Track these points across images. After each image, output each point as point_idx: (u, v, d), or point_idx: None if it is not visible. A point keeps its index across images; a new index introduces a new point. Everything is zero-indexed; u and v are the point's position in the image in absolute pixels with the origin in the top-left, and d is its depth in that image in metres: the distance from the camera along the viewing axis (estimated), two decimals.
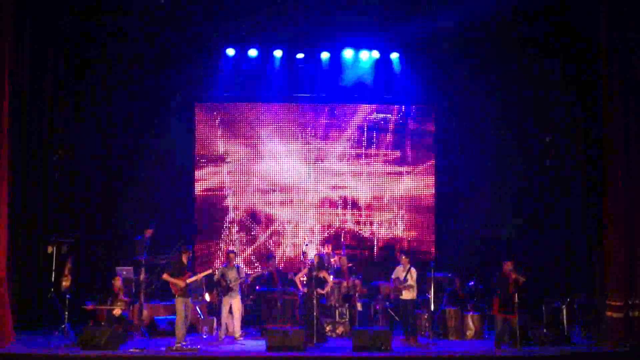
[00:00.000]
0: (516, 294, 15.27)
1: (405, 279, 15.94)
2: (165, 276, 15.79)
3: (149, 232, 18.26)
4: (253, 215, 20.37)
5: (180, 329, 15.48)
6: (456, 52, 19.63)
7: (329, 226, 20.41)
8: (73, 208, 18.70)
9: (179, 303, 15.57)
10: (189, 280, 15.65)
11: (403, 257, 16.34)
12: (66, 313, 16.00)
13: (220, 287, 16.23)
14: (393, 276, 16.37)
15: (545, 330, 16.07)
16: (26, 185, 17.27)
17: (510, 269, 15.55)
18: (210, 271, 16.58)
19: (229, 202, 20.44)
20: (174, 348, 15.08)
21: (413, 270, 16.06)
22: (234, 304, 16.18)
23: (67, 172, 18.76)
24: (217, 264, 18.14)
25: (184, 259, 15.88)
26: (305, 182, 20.47)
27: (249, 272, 18.68)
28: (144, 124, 19.75)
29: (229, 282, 16.11)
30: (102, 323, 15.65)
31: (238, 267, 16.57)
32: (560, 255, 18.75)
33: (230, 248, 19.23)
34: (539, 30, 18.75)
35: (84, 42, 18.97)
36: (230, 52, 19.94)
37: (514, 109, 19.75)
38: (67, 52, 18.71)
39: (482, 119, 19.95)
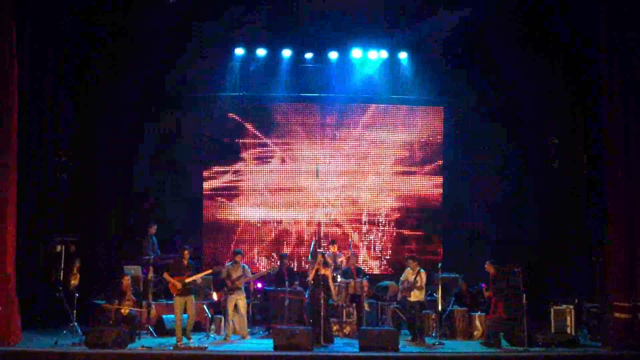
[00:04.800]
0: (524, 295, 15.34)
1: (415, 282, 16.00)
2: (165, 275, 15.98)
3: (152, 229, 18.31)
4: (260, 215, 20.38)
5: (178, 327, 15.58)
6: (463, 52, 19.71)
7: (337, 226, 20.45)
8: (75, 208, 18.59)
9: (177, 302, 15.71)
10: (187, 280, 15.66)
11: (411, 261, 16.38)
12: (74, 311, 15.98)
13: (225, 286, 16.23)
14: (402, 278, 16.41)
15: (551, 332, 15.98)
16: (26, 185, 17.10)
17: (516, 269, 15.70)
18: (210, 271, 16.68)
19: (237, 201, 20.48)
20: (181, 346, 15.07)
21: (423, 272, 16.11)
22: (240, 302, 16.18)
23: (69, 172, 18.63)
24: (224, 263, 18.11)
25: (185, 259, 15.92)
26: (313, 181, 20.47)
27: (263, 269, 18.65)
28: (148, 123, 19.78)
29: (234, 280, 16.12)
30: (110, 322, 15.59)
31: (244, 267, 16.56)
32: (561, 255, 18.82)
33: (237, 247, 19.08)
34: (539, 30, 18.81)
35: (84, 42, 18.88)
36: (239, 51, 19.94)
37: (516, 109, 19.84)
38: (67, 52, 18.59)
39: (489, 118, 19.97)
